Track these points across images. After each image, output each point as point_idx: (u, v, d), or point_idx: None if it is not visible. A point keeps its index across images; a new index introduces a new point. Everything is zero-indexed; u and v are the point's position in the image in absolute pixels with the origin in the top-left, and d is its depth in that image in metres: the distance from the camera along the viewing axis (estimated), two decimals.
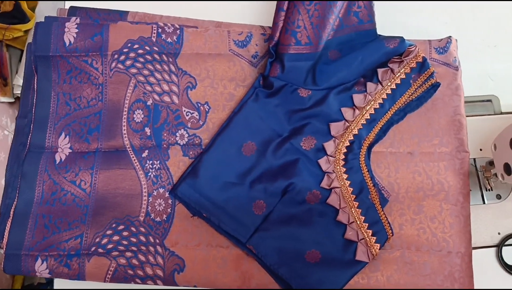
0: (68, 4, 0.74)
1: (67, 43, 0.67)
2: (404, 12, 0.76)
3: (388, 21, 0.70)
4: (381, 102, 0.66)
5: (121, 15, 0.71)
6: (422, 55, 0.66)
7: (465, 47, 0.72)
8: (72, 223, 0.63)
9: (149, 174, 0.65)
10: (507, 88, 0.73)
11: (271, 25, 0.67)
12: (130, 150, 0.66)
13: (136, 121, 0.67)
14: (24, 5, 0.96)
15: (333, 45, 0.67)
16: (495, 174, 0.65)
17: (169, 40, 0.69)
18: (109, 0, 0.74)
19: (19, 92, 0.77)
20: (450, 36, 0.70)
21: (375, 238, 0.62)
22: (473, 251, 0.64)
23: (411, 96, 0.67)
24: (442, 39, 0.70)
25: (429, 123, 0.68)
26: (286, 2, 0.65)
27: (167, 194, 0.65)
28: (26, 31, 0.92)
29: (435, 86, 0.67)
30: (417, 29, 0.73)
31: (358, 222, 0.62)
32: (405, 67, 0.66)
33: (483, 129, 0.70)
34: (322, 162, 0.65)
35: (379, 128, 0.66)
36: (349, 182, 0.64)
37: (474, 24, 0.76)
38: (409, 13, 0.76)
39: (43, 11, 1.05)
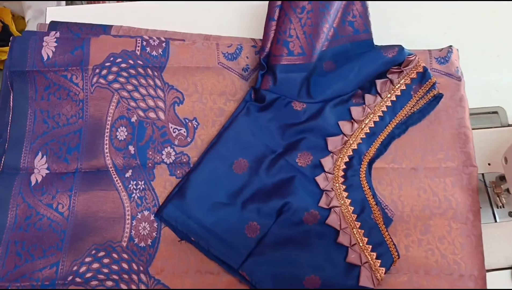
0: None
1: (45, 58, 0.64)
2: (401, 22, 0.74)
3: (384, 31, 0.68)
4: (381, 114, 0.63)
5: (104, 29, 0.69)
6: (423, 65, 0.64)
7: (465, 58, 0.69)
8: (48, 250, 0.59)
9: (133, 196, 0.61)
10: None
11: (262, 38, 0.65)
12: (112, 170, 0.62)
13: (119, 139, 0.63)
14: (12, 27, 0.95)
15: (327, 56, 0.65)
16: (507, 190, 0.61)
17: (154, 53, 0.66)
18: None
19: None
20: (451, 46, 0.68)
21: (379, 261, 0.58)
22: (487, 273, 0.60)
23: (412, 108, 0.64)
24: (442, 49, 0.68)
25: (432, 136, 0.65)
26: (277, 11, 0.63)
27: (152, 217, 0.61)
28: None
29: (438, 97, 0.64)
30: (414, 40, 0.70)
31: (361, 244, 0.58)
32: (405, 77, 0.64)
33: (490, 143, 0.67)
34: (320, 179, 0.61)
35: (380, 143, 0.64)
36: (349, 200, 0.60)
37: (473, 34, 0.74)
38: (406, 24, 0.74)
39: None
